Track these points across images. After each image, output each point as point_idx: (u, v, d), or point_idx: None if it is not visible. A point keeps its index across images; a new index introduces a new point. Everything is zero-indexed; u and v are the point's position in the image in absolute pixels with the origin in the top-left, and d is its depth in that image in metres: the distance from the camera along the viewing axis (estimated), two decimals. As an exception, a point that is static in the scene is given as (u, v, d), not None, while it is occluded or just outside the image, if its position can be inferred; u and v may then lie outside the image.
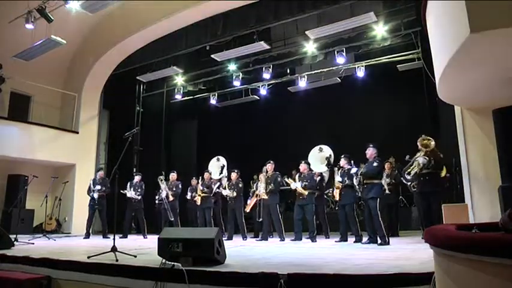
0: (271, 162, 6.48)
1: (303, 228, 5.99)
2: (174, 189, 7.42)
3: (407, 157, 5.22)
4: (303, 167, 6.16)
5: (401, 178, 5.68)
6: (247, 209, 6.77)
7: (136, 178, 7.40)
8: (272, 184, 6.18)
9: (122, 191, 7.02)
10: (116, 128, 9.05)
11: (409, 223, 7.35)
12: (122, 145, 3.99)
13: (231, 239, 6.51)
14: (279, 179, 6.30)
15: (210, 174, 7.30)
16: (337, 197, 5.70)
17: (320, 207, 6.60)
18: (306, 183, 5.97)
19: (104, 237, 6.98)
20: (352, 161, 5.55)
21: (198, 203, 7.01)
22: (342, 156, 5.76)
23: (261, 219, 6.40)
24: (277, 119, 10.26)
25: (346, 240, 5.58)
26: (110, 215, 6.75)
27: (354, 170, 5.34)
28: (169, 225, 6.71)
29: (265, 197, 6.25)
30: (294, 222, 5.94)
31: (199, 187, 6.99)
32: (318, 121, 9.60)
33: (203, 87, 9.66)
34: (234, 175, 6.69)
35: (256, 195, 6.60)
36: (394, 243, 4.96)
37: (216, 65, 8.78)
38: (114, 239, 3.77)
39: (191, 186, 7.62)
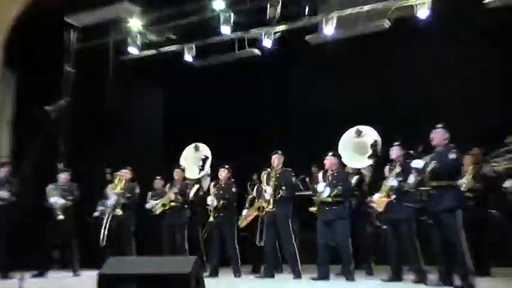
0: (279, 153, 6.48)
1: (331, 258, 5.97)
2: (126, 195, 7.31)
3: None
4: (329, 161, 6.08)
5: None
6: (242, 224, 6.91)
7: (63, 177, 7.27)
8: (283, 187, 6.18)
9: (50, 201, 6.94)
10: (29, 100, 8.84)
11: (507, 254, 7.12)
12: (40, 126, 4.06)
13: (216, 275, 6.54)
14: (293, 179, 6.31)
15: (184, 171, 7.32)
16: (380, 208, 5.70)
17: (359, 225, 6.60)
18: (335, 187, 5.93)
19: (2, 276, 6.73)
20: (412, 152, 5.45)
21: (165, 217, 7.04)
22: (395, 144, 5.67)
23: (262, 243, 6.41)
24: (288, 86, 10.18)
25: (400, 280, 5.59)
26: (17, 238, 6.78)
27: (417, 163, 5.07)
28: (117, 253, 6.48)
29: (271, 208, 6.27)
30: (318, 249, 5.92)
31: (168, 193, 7.04)
32: (352, 91, 9.38)
33: (173, 37, 9.58)
34: (222, 173, 6.73)
35: (259, 207, 6.66)
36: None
37: (195, 1, 8.78)
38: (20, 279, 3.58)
39: (154, 190, 7.68)
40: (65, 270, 7.57)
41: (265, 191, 6.33)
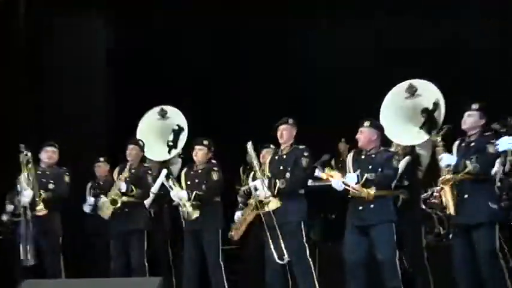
0: (290, 122, 6.34)
1: (367, 283, 5.79)
2: (50, 186, 6.87)
3: None
4: (364, 135, 5.91)
5: None
6: (236, 235, 6.71)
7: None
8: (289, 173, 6.12)
9: None
10: None
11: None
12: None
13: None
14: (303, 161, 6.22)
15: (143, 149, 6.98)
16: (451, 210, 5.45)
17: (410, 233, 6.45)
18: (372, 173, 5.67)
19: None
20: (497, 124, 5.43)
21: (113, 221, 6.78)
22: (473, 108, 5.51)
23: (283, 259, 6.23)
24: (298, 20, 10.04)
25: None
26: None
27: (503, 142, 5.10)
28: (36, 273, 6.34)
29: (275, 204, 6.11)
30: (347, 267, 5.78)
31: (117, 182, 6.72)
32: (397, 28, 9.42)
33: None
34: (199, 153, 6.57)
35: (257, 204, 6.25)
36: None
37: None
38: None
39: (95, 181, 7.66)
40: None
41: (266, 178, 6.26)
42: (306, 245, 6.12)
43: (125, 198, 6.63)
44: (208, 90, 10.04)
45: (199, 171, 6.56)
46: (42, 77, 9.62)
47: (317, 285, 6.10)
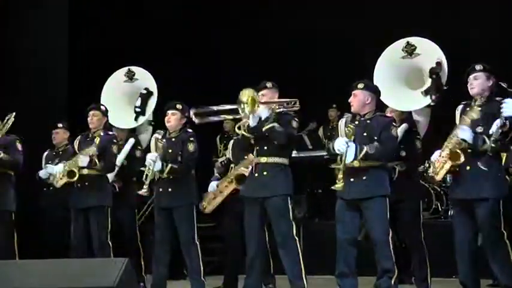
0: (269, 86, 6.21)
1: (359, 264, 5.72)
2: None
3: None
4: (358, 98, 5.72)
5: None
6: (208, 207, 6.76)
7: None
8: (276, 136, 5.91)
9: None
10: None
11: None
12: None
13: None
14: (294, 123, 6.06)
15: (106, 115, 6.75)
16: (438, 177, 5.46)
17: (408, 210, 6.34)
18: (368, 142, 5.57)
19: None
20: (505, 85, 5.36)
21: (73, 195, 6.67)
22: (476, 69, 5.34)
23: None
24: None
25: None
26: None
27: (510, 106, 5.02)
28: None
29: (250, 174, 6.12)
30: (338, 245, 5.68)
31: (79, 153, 6.58)
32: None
33: None
34: (171, 119, 6.39)
35: (238, 177, 6.48)
36: None
37: None
38: None
39: (53, 149, 7.48)
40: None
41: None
42: (293, 222, 6.01)
43: (85, 171, 6.40)
44: (179, 49, 9.95)
45: (173, 139, 6.34)
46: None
47: (302, 265, 5.98)
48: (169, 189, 6.19)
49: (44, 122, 7.84)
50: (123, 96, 7.43)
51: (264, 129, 5.87)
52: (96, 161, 6.45)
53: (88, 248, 6.56)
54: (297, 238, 6.02)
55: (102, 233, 6.49)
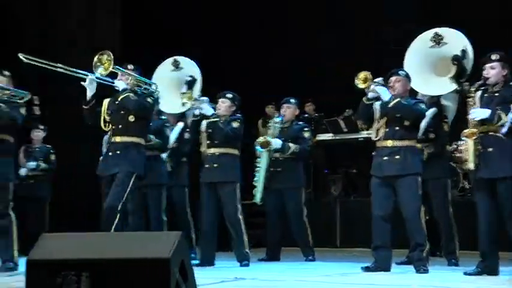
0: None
1: (394, 235, 5.80)
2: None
3: None
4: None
5: None
6: (258, 197, 6.92)
7: None
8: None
9: None
10: None
11: None
12: None
13: (210, 264, 6.42)
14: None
15: (158, 100, 6.74)
16: (470, 165, 5.41)
17: (438, 188, 6.49)
18: (397, 127, 5.67)
19: None
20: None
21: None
22: (494, 58, 5.39)
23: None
24: None
25: (495, 273, 5.40)
26: None
27: None
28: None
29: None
30: (374, 222, 5.81)
31: None
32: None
33: None
34: (222, 106, 6.50)
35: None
36: None
37: None
38: None
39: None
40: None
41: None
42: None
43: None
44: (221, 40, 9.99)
45: (221, 123, 6.46)
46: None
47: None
48: (215, 165, 6.34)
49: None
50: (171, 84, 7.43)
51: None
52: (151, 142, 6.54)
53: (142, 222, 6.70)
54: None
55: (158, 208, 6.69)
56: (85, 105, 5.66)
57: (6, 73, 5.74)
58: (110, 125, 5.76)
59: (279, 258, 6.94)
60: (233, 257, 6.52)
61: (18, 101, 5.77)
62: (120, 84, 5.70)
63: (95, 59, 5.68)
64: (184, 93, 7.17)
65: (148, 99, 5.97)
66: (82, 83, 5.80)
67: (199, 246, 6.68)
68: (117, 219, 5.64)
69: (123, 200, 5.62)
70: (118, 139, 5.67)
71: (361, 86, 5.70)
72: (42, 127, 8.06)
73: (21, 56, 5.50)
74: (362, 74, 5.71)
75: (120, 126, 5.68)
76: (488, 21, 8.65)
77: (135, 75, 5.97)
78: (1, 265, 5.60)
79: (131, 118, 5.64)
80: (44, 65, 5.63)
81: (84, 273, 3.13)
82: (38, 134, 7.98)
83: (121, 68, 5.77)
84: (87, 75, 5.63)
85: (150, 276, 3.14)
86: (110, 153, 5.74)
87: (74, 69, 5.67)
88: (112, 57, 5.69)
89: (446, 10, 9.64)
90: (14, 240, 5.80)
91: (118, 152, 5.70)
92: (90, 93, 5.66)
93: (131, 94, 5.83)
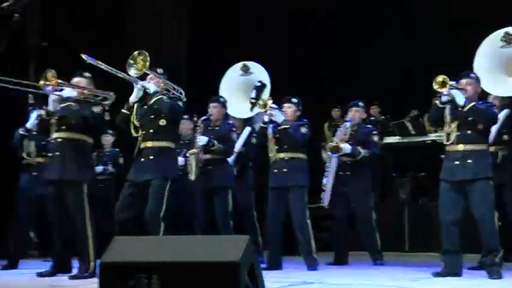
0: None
1: (465, 240, 5.74)
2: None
3: None
4: (472, 86, 5.76)
5: None
6: (325, 200, 6.89)
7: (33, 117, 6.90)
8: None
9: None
10: None
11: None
12: None
13: (278, 268, 6.43)
14: None
15: (225, 105, 6.92)
16: None
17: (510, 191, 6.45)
18: (469, 130, 5.63)
19: None
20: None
21: (192, 176, 6.74)
22: None
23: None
24: None
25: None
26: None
27: None
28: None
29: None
30: (443, 227, 5.71)
31: (199, 139, 6.63)
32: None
33: None
34: (288, 111, 6.50)
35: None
36: None
37: None
38: None
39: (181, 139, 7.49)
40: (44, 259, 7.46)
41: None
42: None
43: (208, 156, 6.59)
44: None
45: (290, 128, 6.40)
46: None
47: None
48: (284, 170, 6.31)
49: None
50: (239, 88, 7.51)
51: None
52: (215, 143, 6.51)
53: (209, 227, 6.72)
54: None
55: (224, 212, 6.63)
56: (127, 109, 5.62)
57: (87, 74, 5.81)
58: (140, 130, 5.67)
59: (347, 262, 6.85)
60: (301, 261, 6.46)
61: (101, 102, 5.81)
62: (151, 87, 5.63)
63: (130, 59, 5.60)
64: (255, 98, 7.21)
65: (179, 103, 5.90)
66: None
67: (267, 250, 6.64)
68: (162, 227, 5.58)
69: (164, 207, 5.57)
70: (149, 144, 5.58)
71: (439, 89, 5.60)
72: (111, 132, 8.14)
73: (84, 56, 5.57)
74: (440, 78, 5.61)
75: (151, 130, 5.59)
76: None
77: (165, 79, 5.91)
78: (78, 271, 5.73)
79: (162, 122, 5.56)
80: (102, 66, 5.64)
81: (154, 275, 3.16)
82: (108, 139, 8.12)
83: (153, 71, 5.70)
84: (137, 82, 5.59)
85: (220, 280, 3.13)
86: (142, 159, 5.63)
87: (123, 74, 5.60)
88: (148, 58, 5.61)
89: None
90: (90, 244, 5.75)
91: (151, 158, 5.59)
92: (135, 99, 5.61)
93: (164, 97, 5.77)
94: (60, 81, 5.62)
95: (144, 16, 10.13)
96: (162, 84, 5.87)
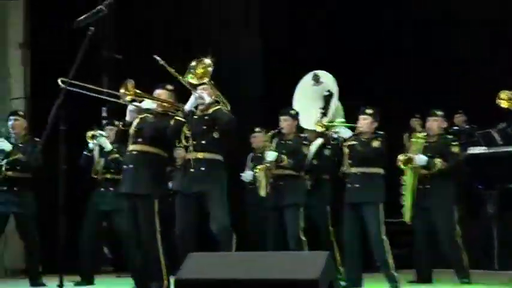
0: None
1: None
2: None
3: None
4: None
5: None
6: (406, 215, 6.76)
7: (108, 131, 7.08)
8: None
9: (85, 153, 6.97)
10: (48, 11, 8.95)
11: None
12: (70, 50, 4.58)
13: (358, 285, 6.41)
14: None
15: (297, 118, 6.87)
16: None
17: None
18: None
19: (34, 284, 6.85)
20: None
21: (262, 192, 6.73)
22: None
23: None
24: None
25: None
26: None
27: None
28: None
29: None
30: None
31: (267, 154, 6.63)
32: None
33: None
34: (364, 122, 6.50)
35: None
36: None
37: None
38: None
39: (253, 151, 7.86)
40: (119, 274, 7.79)
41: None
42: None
43: (279, 171, 6.52)
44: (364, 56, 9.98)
45: (364, 141, 6.40)
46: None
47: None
48: (357, 185, 6.26)
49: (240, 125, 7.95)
50: (312, 98, 7.57)
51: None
52: (284, 157, 6.46)
53: (280, 243, 6.65)
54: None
55: (296, 228, 6.57)
56: (185, 116, 5.55)
57: (169, 87, 5.84)
58: (191, 140, 5.62)
59: (431, 280, 6.64)
60: (382, 278, 6.34)
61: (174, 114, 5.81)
62: (206, 97, 5.58)
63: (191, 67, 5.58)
64: (323, 108, 7.28)
65: (233, 117, 5.87)
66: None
67: (345, 267, 6.56)
68: (234, 238, 5.53)
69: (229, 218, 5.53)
70: (200, 155, 5.51)
71: (505, 105, 5.54)
72: (181, 145, 8.16)
73: (156, 57, 5.63)
74: (504, 94, 5.51)
75: (203, 142, 5.54)
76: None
77: (217, 91, 5.85)
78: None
79: (216, 134, 5.52)
80: (172, 71, 5.66)
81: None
82: (180, 152, 8.07)
83: (210, 81, 5.65)
84: (195, 91, 5.55)
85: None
86: (192, 170, 5.54)
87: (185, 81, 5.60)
88: (210, 69, 5.58)
89: None
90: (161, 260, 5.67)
91: (202, 169, 5.51)
92: (190, 107, 5.54)
93: (224, 108, 5.73)
94: (138, 91, 5.61)
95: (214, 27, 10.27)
96: (213, 96, 5.80)
